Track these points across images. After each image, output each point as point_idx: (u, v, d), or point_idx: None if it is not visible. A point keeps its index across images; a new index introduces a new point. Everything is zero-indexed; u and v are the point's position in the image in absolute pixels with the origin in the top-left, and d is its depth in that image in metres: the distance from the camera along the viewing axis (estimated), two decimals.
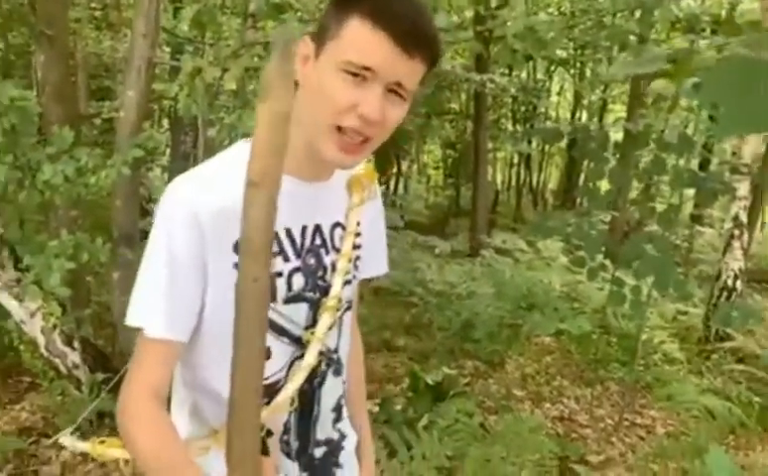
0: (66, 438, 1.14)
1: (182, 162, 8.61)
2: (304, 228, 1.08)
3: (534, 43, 2.68)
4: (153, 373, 0.98)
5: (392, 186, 13.76)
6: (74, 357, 3.04)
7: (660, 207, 3.84)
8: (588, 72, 13.22)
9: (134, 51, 3.31)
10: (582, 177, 14.60)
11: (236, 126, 3.24)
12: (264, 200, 0.57)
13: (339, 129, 0.94)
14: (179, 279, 0.96)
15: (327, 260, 1.11)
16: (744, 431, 4.11)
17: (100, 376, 3.13)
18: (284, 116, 0.54)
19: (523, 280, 6.24)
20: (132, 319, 0.98)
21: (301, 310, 1.07)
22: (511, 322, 5.43)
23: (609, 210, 7.56)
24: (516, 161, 17.06)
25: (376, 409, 3.67)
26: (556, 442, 3.53)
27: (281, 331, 1.06)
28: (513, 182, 17.55)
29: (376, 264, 1.30)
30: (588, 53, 11.82)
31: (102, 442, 1.07)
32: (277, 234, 1.03)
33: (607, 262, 4.19)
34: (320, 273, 1.10)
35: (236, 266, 0.97)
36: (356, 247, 1.15)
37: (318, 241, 1.09)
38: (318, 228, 1.10)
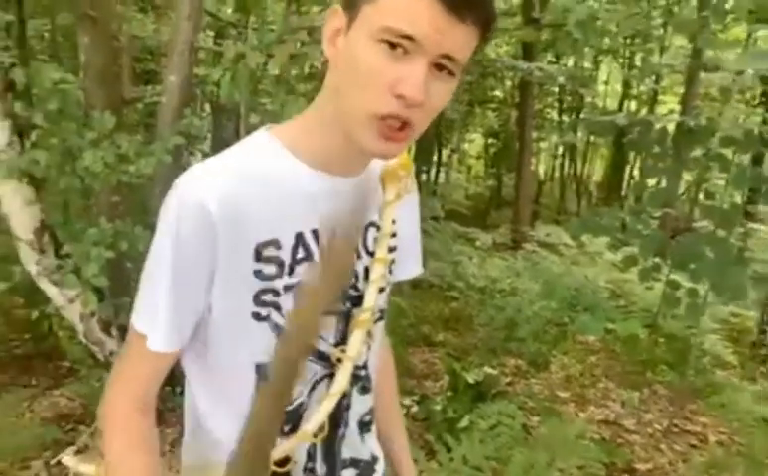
0: (69, 458, 1.04)
1: (223, 148, 8.61)
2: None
3: (594, 32, 2.52)
4: (143, 381, 0.93)
5: (432, 175, 13.58)
6: (112, 345, 3.01)
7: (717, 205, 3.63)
8: (639, 62, 12.80)
9: (177, 34, 3.24)
10: (629, 169, 14.21)
11: (279, 113, 3.16)
12: None
13: (380, 117, 0.80)
14: (183, 286, 0.86)
15: (360, 265, 0.97)
16: None
17: None
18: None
19: (569, 277, 6.06)
20: (136, 324, 0.90)
21: (329, 324, 0.95)
22: (557, 322, 5.27)
23: (660, 207, 7.28)
24: (560, 151, 16.70)
25: (415, 407, 3.58)
26: (602, 448, 3.39)
27: None
28: (557, 174, 17.20)
29: (411, 265, 1.15)
30: (638, 41, 11.43)
31: None
32: (302, 237, 0.90)
33: (659, 260, 3.99)
34: (351, 280, 0.96)
35: (257, 273, 0.86)
36: (391, 249, 1.01)
37: None
38: None
